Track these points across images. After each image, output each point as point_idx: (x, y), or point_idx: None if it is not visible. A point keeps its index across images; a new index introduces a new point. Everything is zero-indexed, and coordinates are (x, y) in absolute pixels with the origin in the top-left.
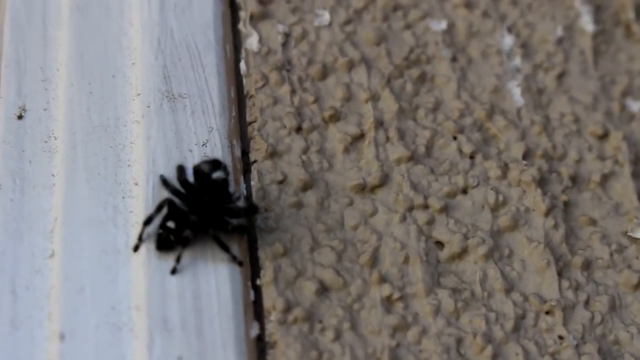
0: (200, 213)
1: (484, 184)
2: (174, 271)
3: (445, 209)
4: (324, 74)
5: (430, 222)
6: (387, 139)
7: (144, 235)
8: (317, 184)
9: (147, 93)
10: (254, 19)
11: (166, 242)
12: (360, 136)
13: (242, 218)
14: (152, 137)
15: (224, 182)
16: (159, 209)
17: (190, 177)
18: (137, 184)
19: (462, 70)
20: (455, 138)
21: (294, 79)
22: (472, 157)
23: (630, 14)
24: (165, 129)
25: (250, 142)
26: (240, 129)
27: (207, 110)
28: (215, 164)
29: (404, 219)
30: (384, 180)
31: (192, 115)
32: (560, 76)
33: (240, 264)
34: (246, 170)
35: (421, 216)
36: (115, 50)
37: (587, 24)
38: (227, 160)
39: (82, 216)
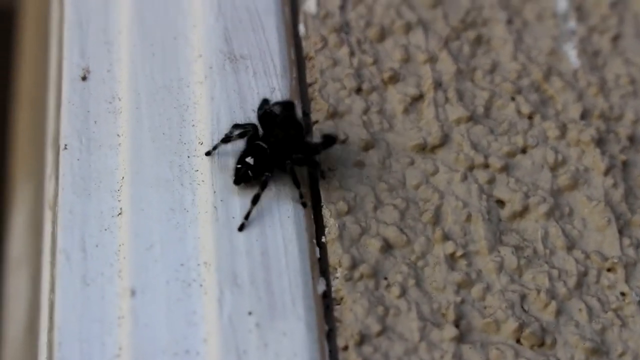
0: (278, 149)
1: (543, 144)
2: (242, 227)
3: (505, 169)
4: (382, 36)
5: (491, 181)
6: (446, 99)
7: (218, 150)
8: (378, 144)
9: (209, 54)
10: None
11: (244, 176)
12: (420, 97)
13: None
14: (216, 97)
15: (298, 120)
16: (241, 135)
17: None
18: (202, 144)
19: (518, 33)
20: (513, 99)
21: (353, 41)
22: (530, 117)
23: None
24: (228, 90)
25: (311, 103)
26: (301, 90)
27: (268, 71)
28: (289, 104)
29: (465, 178)
30: (444, 140)
31: (254, 76)
32: (615, 39)
33: (304, 204)
34: (308, 131)
35: (482, 175)
36: (176, 13)
37: None
38: None
39: (148, 175)
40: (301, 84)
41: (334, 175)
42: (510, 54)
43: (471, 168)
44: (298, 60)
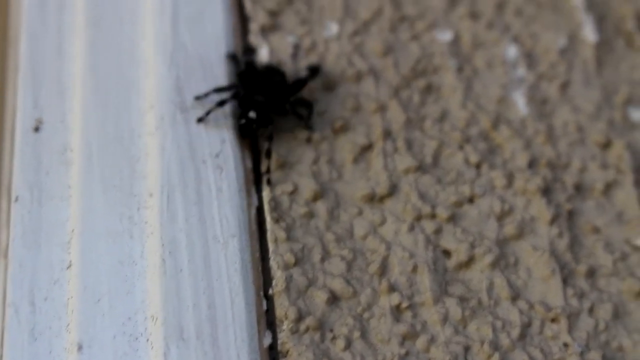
0: (274, 97)
1: (490, 193)
2: (269, 181)
3: (452, 218)
4: (333, 84)
5: (438, 231)
6: (395, 149)
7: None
8: (327, 194)
9: (161, 105)
10: (264, 31)
11: (250, 130)
12: (369, 146)
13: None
14: (167, 148)
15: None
16: (234, 96)
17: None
18: (152, 195)
19: (467, 81)
20: (461, 148)
21: (304, 91)
22: (478, 166)
23: (632, 24)
24: (179, 140)
25: (261, 154)
26: (251, 143)
27: (219, 122)
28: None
29: (412, 228)
30: (393, 190)
31: (204, 127)
32: (564, 86)
33: (311, 128)
34: (258, 181)
35: (429, 225)
36: (129, 63)
37: (589, 33)
38: (239, 171)
39: (98, 227)
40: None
41: (282, 227)
42: (459, 102)
43: (418, 218)
44: None
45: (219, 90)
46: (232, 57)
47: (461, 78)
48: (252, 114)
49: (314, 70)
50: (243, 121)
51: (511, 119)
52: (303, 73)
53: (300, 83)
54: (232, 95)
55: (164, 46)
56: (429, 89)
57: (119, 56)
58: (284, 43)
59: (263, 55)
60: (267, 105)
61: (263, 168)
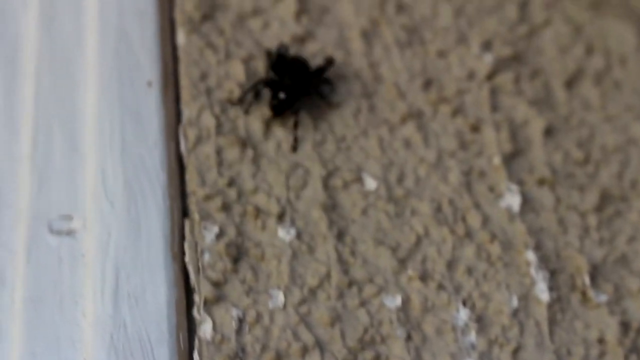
0: (299, 80)
1: None
2: (294, 148)
3: None
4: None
5: None
6: None
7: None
8: None
9: None
10: (207, 304)
11: (282, 108)
12: None
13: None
14: None
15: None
16: (266, 83)
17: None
18: None
19: (416, 350)
20: None
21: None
22: None
23: (586, 279)
24: None
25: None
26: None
27: None
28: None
29: None
30: None
31: None
32: (516, 351)
33: (331, 103)
34: None
35: None
36: (67, 346)
37: (542, 292)
38: None
39: None
40: None
41: None
42: None
43: None
44: None
45: (252, 87)
46: (267, 53)
47: (410, 347)
48: (282, 95)
49: (329, 62)
50: (275, 102)
51: None
52: (321, 62)
53: (320, 70)
54: (264, 82)
55: (104, 327)
56: None
57: (57, 338)
58: (228, 316)
59: (206, 331)
60: (293, 88)
61: (291, 139)
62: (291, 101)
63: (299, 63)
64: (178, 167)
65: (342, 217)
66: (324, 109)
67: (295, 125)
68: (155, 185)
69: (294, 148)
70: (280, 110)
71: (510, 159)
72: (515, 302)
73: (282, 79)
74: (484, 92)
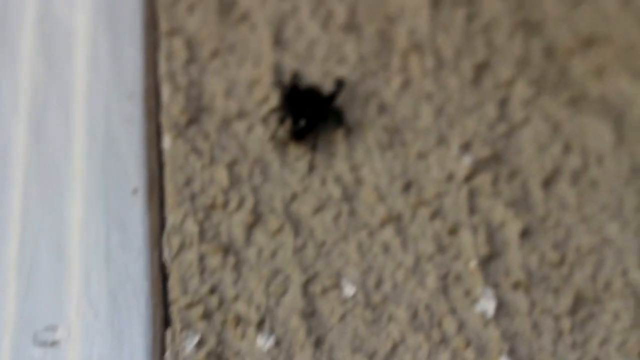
0: (315, 107)
1: None
2: (311, 167)
3: None
4: None
5: None
6: None
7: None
8: None
9: None
10: None
11: (302, 133)
12: None
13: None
14: None
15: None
16: (284, 111)
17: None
18: None
19: None
20: None
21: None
22: None
23: None
24: None
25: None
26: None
27: None
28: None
29: None
30: None
31: None
32: None
33: (347, 126)
34: None
35: None
36: None
37: None
38: None
39: None
40: None
41: None
42: None
43: None
44: None
45: (276, 109)
46: (279, 83)
47: None
48: (302, 122)
49: (340, 85)
50: (297, 128)
51: None
52: (332, 88)
53: (332, 96)
54: (286, 111)
55: None
56: None
57: None
58: None
59: None
60: (312, 115)
61: (309, 159)
62: (310, 126)
63: (312, 90)
64: (161, 275)
65: (321, 324)
66: (307, 218)
67: (314, 148)
68: (138, 294)
69: (311, 169)
70: (301, 136)
71: (486, 262)
72: None
73: (300, 107)
74: (462, 194)
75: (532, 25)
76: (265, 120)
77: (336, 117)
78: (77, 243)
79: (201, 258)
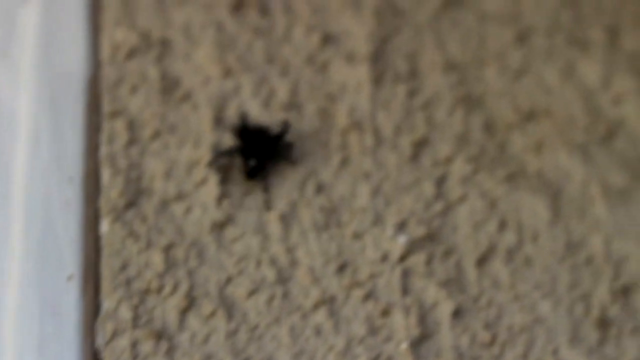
0: (264, 146)
1: None
2: (268, 206)
3: None
4: None
5: None
6: None
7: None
8: None
9: None
10: None
11: (255, 172)
12: None
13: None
14: None
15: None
16: (237, 150)
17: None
18: None
19: None
20: None
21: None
22: None
23: None
24: None
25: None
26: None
27: None
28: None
29: None
30: None
31: None
32: None
33: (294, 163)
34: None
35: None
36: None
37: None
38: None
39: None
40: None
41: None
42: None
43: None
44: None
45: (221, 153)
46: (231, 128)
47: None
48: (252, 162)
49: (286, 126)
50: (248, 168)
51: None
52: (278, 128)
53: (280, 135)
54: (235, 150)
55: None
56: None
57: None
58: None
59: None
60: (262, 154)
61: (264, 200)
62: (261, 165)
63: (261, 130)
64: None
65: None
66: (240, 301)
67: (266, 189)
68: None
69: (268, 207)
70: (254, 175)
71: (417, 343)
72: None
73: (250, 146)
74: (395, 274)
75: (473, 99)
76: (211, 163)
77: (285, 153)
78: (11, 330)
79: (134, 344)
